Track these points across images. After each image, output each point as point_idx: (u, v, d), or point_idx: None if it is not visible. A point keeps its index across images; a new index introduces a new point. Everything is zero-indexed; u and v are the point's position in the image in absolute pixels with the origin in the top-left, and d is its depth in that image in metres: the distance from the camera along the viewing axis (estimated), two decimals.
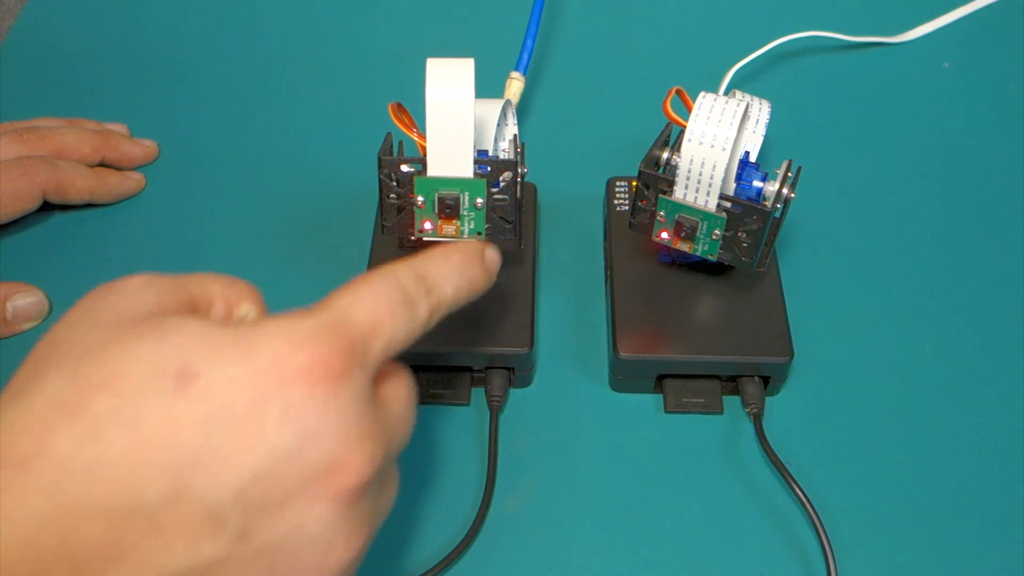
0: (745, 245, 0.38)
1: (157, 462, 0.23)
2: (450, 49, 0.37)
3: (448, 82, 0.36)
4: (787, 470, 0.37)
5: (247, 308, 0.29)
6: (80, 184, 0.46)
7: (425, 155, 0.37)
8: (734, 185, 0.38)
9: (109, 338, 0.24)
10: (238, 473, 0.24)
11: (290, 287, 0.44)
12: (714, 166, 0.36)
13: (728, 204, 0.37)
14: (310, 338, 0.25)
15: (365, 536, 0.27)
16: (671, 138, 0.39)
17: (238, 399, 0.24)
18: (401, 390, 0.29)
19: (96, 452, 0.23)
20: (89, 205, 0.47)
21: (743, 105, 0.37)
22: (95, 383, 0.24)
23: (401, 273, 0.29)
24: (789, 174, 0.38)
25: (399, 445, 0.29)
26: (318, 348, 0.25)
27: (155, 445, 0.23)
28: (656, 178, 0.38)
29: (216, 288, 0.28)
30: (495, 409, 0.40)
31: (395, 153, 0.38)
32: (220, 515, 0.24)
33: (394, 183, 0.38)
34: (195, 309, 0.28)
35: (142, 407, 0.23)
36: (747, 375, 0.40)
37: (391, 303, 0.28)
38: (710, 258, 0.39)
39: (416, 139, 0.38)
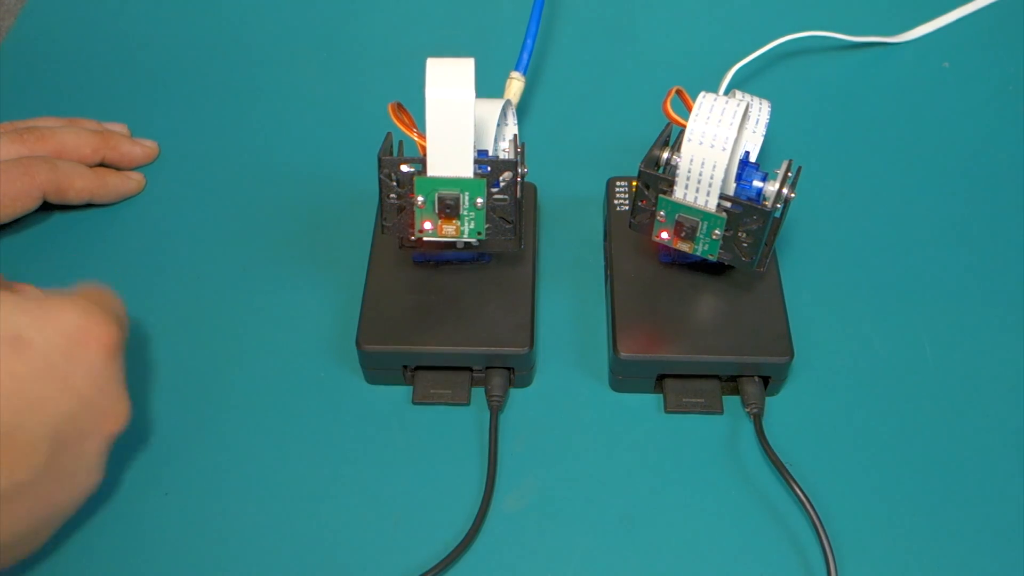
0: (745, 245, 0.38)
1: (4, 405, 0.31)
2: (450, 49, 0.37)
3: (448, 82, 0.36)
4: (787, 470, 0.37)
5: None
6: (80, 184, 0.46)
7: (425, 155, 0.37)
8: (734, 185, 0.38)
9: None
10: (56, 412, 0.32)
11: (290, 287, 0.44)
12: (714, 166, 0.36)
13: (728, 204, 0.37)
14: (106, 319, 0.34)
15: (103, 470, 0.35)
16: (671, 138, 0.39)
17: (57, 358, 0.32)
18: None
19: None
20: (89, 205, 0.47)
21: (743, 105, 0.37)
22: None
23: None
24: (789, 174, 0.38)
25: None
26: (112, 328, 0.34)
27: (3, 392, 0.31)
28: (656, 178, 0.38)
29: None
30: (495, 409, 0.40)
31: (395, 153, 0.38)
32: (39, 445, 0.32)
33: (394, 183, 0.38)
34: None
35: None
36: (747, 375, 0.40)
37: (123, 309, 0.37)
38: (710, 258, 0.39)
39: (416, 139, 0.38)
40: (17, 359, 0.31)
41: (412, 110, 0.38)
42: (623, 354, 0.39)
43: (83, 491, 0.35)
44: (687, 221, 0.38)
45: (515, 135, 0.41)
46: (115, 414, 0.35)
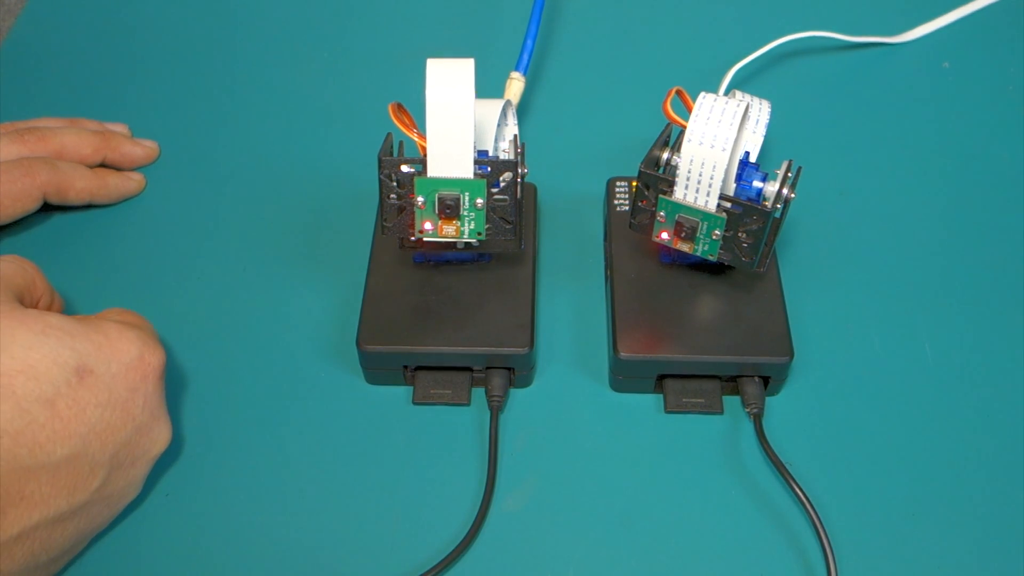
0: (745, 245, 0.38)
1: (67, 432, 0.32)
2: (450, 49, 0.37)
3: (448, 82, 0.36)
4: (787, 470, 0.37)
5: (48, 293, 0.38)
6: (80, 185, 0.46)
7: (425, 155, 0.37)
8: (734, 185, 0.38)
9: (3, 332, 0.32)
10: (116, 440, 0.33)
11: (290, 287, 0.44)
12: (714, 166, 0.36)
13: (728, 204, 0.37)
14: (156, 345, 0.35)
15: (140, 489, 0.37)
16: (671, 138, 0.39)
17: (120, 388, 0.34)
18: None
19: (23, 423, 0.31)
20: (89, 206, 0.47)
21: (743, 105, 0.37)
22: (12, 370, 0.31)
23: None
24: (789, 174, 0.38)
25: None
26: (161, 354, 0.35)
27: (66, 419, 0.32)
28: (656, 178, 0.38)
29: (37, 276, 0.37)
30: (495, 409, 0.40)
31: (395, 153, 0.38)
32: (97, 470, 0.33)
33: (394, 183, 0.38)
34: (32, 294, 0.37)
35: (56, 392, 0.32)
36: (747, 375, 0.40)
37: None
38: (710, 258, 0.39)
39: (416, 139, 0.38)
40: (82, 389, 0.32)
41: (412, 110, 0.38)
42: (623, 354, 0.39)
43: (122, 507, 0.36)
44: (687, 221, 0.38)
45: (515, 135, 0.41)
46: (161, 437, 0.36)
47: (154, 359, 0.35)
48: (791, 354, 0.39)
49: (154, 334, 0.37)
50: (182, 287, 0.45)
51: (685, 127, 0.37)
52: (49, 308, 0.38)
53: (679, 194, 0.38)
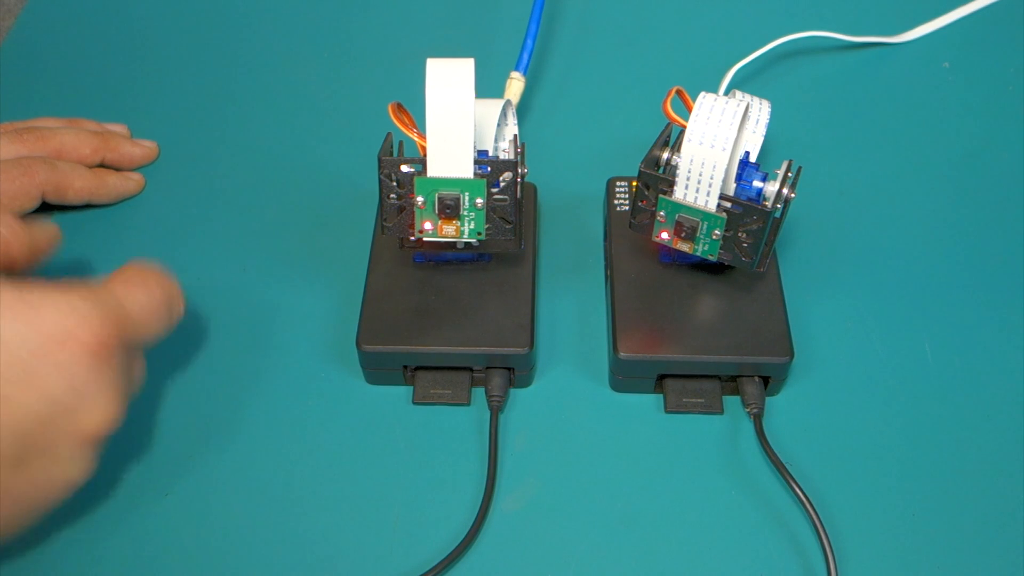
0: (745, 245, 0.38)
1: None
2: (450, 49, 0.37)
3: (448, 82, 0.36)
4: (787, 470, 0.37)
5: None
6: (79, 185, 0.46)
7: (425, 155, 0.37)
8: (734, 185, 0.38)
9: None
10: (20, 414, 0.30)
11: (290, 287, 0.44)
12: (714, 166, 0.36)
13: (728, 204, 0.37)
14: (93, 319, 0.32)
15: (91, 467, 0.34)
16: (671, 138, 0.39)
17: (34, 361, 0.30)
18: (142, 361, 0.37)
19: None
20: (88, 206, 0.47)
21: (743, 105, 0.37)
22: None
23: (165, 279, 0.37)
24: (789, 174, 0.38)
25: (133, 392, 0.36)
26: (98, 329, 0.32)
27: None
28: (656, 178, 0.38)
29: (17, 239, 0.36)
30: (495, 409, 0.40)
31: (395, 153, 0.38)
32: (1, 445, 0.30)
33: (394, 183, 0.38)
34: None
35: None
36: (747, 375, 0.40)
37: (158, 304, 0.36)
38: (710, 258, 0.39)
39: (416, 139, 0.38)
40: None
41: (412, 110, 0.38)
42: (623, 354, 0.39)
43: (61, 489, 0.34)
44: (687, 221, 0.38)
45: (515, 135, 0.41)
46: (96, 416, 0.33)
47: (83, 331, 0.32)
48: (791, 354, 0.39)
49: (113, 308, 0.34)
50: (181, 287, 0.45)
51: (685, 127, 0.37)
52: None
53: (679, 194, 0.38)
